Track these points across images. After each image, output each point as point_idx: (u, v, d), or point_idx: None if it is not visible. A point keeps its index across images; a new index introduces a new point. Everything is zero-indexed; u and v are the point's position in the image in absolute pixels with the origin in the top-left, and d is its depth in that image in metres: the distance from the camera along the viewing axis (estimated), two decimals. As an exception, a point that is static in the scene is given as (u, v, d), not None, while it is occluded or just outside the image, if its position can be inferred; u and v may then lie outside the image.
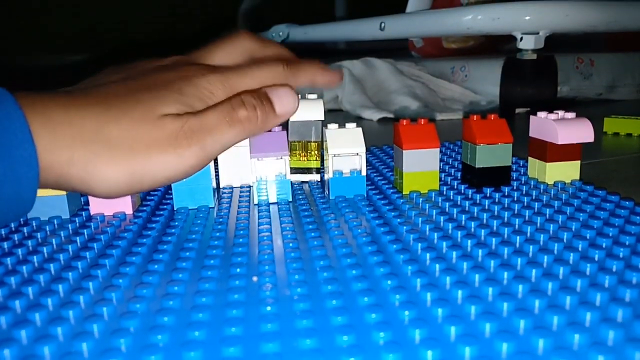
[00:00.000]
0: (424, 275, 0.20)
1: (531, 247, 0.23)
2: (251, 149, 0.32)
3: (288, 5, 1.55)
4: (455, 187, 0.33)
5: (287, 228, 0.27)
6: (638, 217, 0.26)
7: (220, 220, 0.28)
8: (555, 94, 0.65)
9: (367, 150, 0.47)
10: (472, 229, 0.26)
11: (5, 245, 0.25)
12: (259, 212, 0.30)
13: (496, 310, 0.18)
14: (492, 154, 0.32)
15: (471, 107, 0.74)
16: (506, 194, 0.31)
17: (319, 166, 0.36)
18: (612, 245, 0.23)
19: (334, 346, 0.16)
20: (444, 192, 0.32)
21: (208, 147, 0.25)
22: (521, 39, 0.62)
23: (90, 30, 1.50)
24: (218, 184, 0.36)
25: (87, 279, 0.21)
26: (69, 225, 0.28)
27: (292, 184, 0.35)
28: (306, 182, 0.36)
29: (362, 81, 0.79)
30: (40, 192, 0.29)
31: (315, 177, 0.36)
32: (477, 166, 0.32)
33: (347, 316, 0.17)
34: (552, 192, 0.31)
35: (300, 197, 0.33)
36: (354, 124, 0.33)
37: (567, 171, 0.34)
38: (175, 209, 0.31)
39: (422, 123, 0.33)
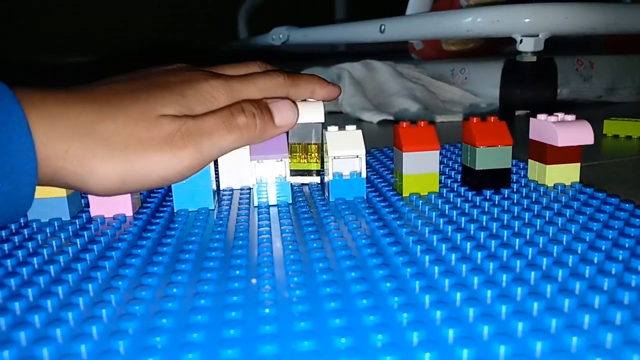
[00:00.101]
0: (423, 277, 0.20)
1: (530, 249, 0.23)
2: (251, 151, 0.32)
3: (288, 7, 1.56)
4: (455, 189, 0.33)
5: (287, 230, 0.27)
6: (638, 220, 0.26)
7: (220, 222, 0.28)
8: (555, 96, 0.65)
9: (368, 152, 0.47)
10: (472, 231, 0.26)
11: (6, 247, 0.25)
12: (258, 215, 0.30)
13: (495, 312, 0.18)
14: (492, 156, 0.32)
15: (471, 109, 0.74)
16: (506, 196, 0.31)
17: (319, 168, 0.36)
18: (612, 247, 0.23)
19: (332, 348, 0.16)
20: (444, 195, 0.32)
21: (204, 150, 0.25)
22: (521, 41, 0.62)
23: (90, 32, 1.50)
24: (218, 186, 0.36)
25: (87, 281, 0.21)
26: (69, 227, 0.28)
27: (292, 186, 0.35)
28: (306, 184, 0.36)
29: (362, 83, 0.79)
30: (41, 194, 0.29)
31: (316, 179, 0.36)
32: (477, 168, 0.32)
33: (346, 318, 0.17)
34: (552, 195, 0.31)
35: (300, 199, 0.33)
36: (354, 127, 0.33)
37: (567, 173, 0.34)
38: (175, 211, 0.31)
39: (422, 125, 0.33)
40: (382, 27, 0.73)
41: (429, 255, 0.22)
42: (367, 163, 0.43)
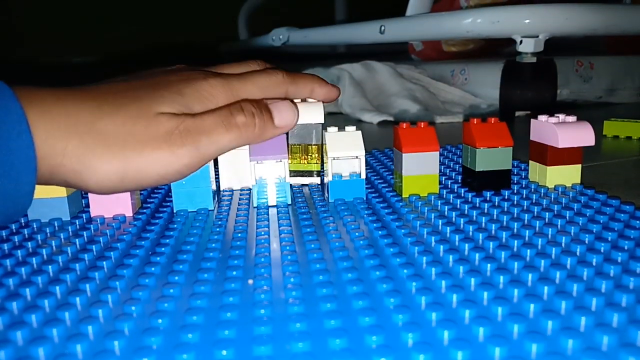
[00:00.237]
0: (419, 278, 0.20)
1: (528, 251, 0.23)
2: (251, 152, 0.32)
3: (288, 8, 1.56)
4: (455, 190, 0.33)
5: (285, 231, 0.27)
6: (638, 222, 0.26)
7: (219, 223, 0.28)
8: (554, 97, 0.65)
9: (369, 153, 0.47)
10: (470, 233, 0.26)
11: (6, 246, 0.25)
12: (258, 215, 0.30)
13: (490, 314, 0.18)
14: (492, 157, 0.32)
15: (471, 110, 0.74)
16: (506, 197, 0.31)
17: (319, 169, 0.36)
18: (611, 249, 0.23)
19: (326, 349, 0.16)
20: (444, 196, 0.32)
21: (202, 148, 0.25)
22: (521, 42, 0.62)
23: (90, 32, 1.51)
24: (218, 186, 0.36)
25: (85, 281, 0.21)
26: (69, 227, 0.28)
27: (292, 186, 0.35)
28: (306, 185, 0.36)
29: (362, 84, 0.79)
30: (41, 194, 0.29)
31: (316, 180, 0.36)
32: (477, 170, 0.32)
33: (341, 319, 0.17)
34: (552, 196, 0.31)
35: (300, 200, 0.33)
36: (354, 127, 0.33)
37: (568, 175, 0.34)
38: (174, 211, 0.31)
39: (422, 126, 0.33)
40: (382, 28, 0.73)
41: (426, 256, 0.22)
42: (368, 164, 0.43)
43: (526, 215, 0.28)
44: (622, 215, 0.27)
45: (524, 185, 0.34)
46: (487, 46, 0.99)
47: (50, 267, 0.23)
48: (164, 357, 0.16)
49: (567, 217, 0.27)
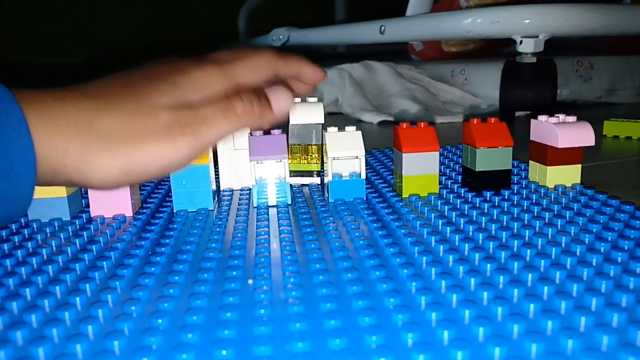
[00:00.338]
0: (419, 278, 0.20)
1: (528, 251, 0.23)
2: (250, 152, 0.32)
3: (288, 8, 1.56)
4: (455, 190, 0.33)
5: (285, 231, 0.27)
6: (638, 222, 0.26)
7: (219, 222, 0.28)
8: (554, 97, 0.65)
9: (369, 153, 0.47)
10: (470, 233, 0.26)
11: (6, 246, 0.25)
12: (257, 215, 0.30)
13: (490, 314, 0.18)
14: (492, 157, 0.32)
15: (471, 110, 0.74)
16: (506, 197, 0.31)
17: (319, 169, 0.36)
18: (611, 249, 0.23)
19: (326, 349, 0.16)
20: (444, 196, 0.32)
21: (202, 138, 0.25)
22: (521, 42, 0.62)
23: (87, 32, 1.51)
24: (218, 186, 0.36)
25: (85, 281, 0.21)
26: (69, 227, 0.28)
27: (292, 186, 0.35)
28: (306, 185, 0.36)
29: (362, 84, 0.80)
30: (41, 194, 0.29)
31: (316, 180, 0.36)
32: (477, 170, 0.32)
33: (341, 319, 0.17)
34: (552, 196, 0.31)
35: (300, 200, 0.33)
36: (354, 127, 0.33)
37: (568, 175, 0.34)
38: (174, 211, 0.31)
39: (422, 126, 0.33)
40: (382, 28, 0.73)
41: (426, 256, 0.22)
42: (368, 164, 0.43)
43: (526, 215, 0.28)
44: (622, 215, 0.27)
45: (524, 185, 0.34)
46: (487, 46, 0.99)
47: (50, 267, 0.23)
48: (164, 357, 0.16)
49: (567, 217, 0.27)
